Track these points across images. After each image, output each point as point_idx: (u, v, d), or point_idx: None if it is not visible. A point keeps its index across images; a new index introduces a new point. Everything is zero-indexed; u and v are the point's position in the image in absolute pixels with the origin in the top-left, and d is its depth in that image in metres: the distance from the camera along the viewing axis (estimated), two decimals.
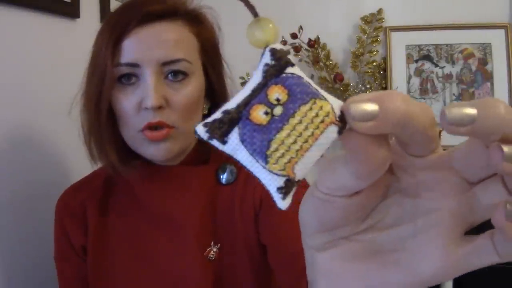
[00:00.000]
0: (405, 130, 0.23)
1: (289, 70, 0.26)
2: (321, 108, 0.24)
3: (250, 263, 0.76)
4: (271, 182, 0.25)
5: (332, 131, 0.24)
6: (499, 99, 0.23)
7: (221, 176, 0.78)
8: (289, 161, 0.24)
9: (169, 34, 0.70)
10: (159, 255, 0.75)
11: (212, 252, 0.74)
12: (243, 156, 0.25)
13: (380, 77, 1.62)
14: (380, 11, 1.63)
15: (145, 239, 0.76)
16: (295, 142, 0.24)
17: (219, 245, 0.75)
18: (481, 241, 0.25)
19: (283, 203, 0.25)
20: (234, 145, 0.25)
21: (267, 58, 0.26)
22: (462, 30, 1.63)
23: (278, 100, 0.25)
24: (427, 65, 1.65)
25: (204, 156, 0.79)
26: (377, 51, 1.62)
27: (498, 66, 1.61)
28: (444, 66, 1.64)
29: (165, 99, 0.69)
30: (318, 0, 1.68)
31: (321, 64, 1.58)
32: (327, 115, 0.24)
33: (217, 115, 0.25)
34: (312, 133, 0.24)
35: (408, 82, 1.65)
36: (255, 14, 0.26)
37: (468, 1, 1.64)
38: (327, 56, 1.60)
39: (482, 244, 0.25)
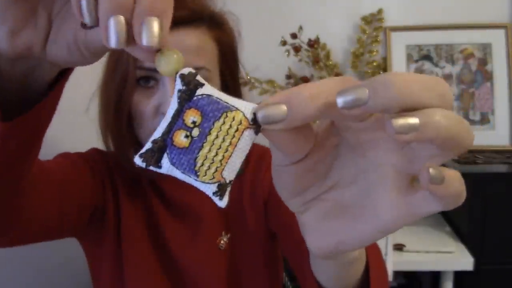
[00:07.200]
0: (323, 117, 0.26)
1: (199, 91, 0.29)
2: (233, 119, 0.29)
3: (260, 251, 0.79)
4: (206, 189, 0.29)
5: (248, 135, 0.28)
6: (394, 72, 0.24)
7: None
8: (216, 171, 0.29)
9: (192, 40, 0.70)
10: (174, 242, 0.77)
11: (222, 242, 0.77)
12: (178, 174, 0.30)
13: None
14: (380, 11, 1.63)
15: (163, 226, 0.77)
16: (216, 154, 0.29)
17: (229, 235, 0.78)
18: (424, 192, 0.27)
19: (221, 202, 0.29)
20: (167, 168, 0.30)
21: (178, 84, 0.29)
22: (462, 30, 1.63)
23: (194, 122, 0.29)
24: (427, 65, 1.65)
25: None
26: (377, 51, 1.62)
27: (498, 66, 1.61)
28: (444, 66, 1.64)
29: None
30: (318, 0, 1.68)
31: (321, 64, 1.59)
32: (240, 123, 0.28)
33: (148, 145, 0.30)
34: (230, 142, 0.29)
35: None
36: (157, 49, 0.29)
37: (468, 1, 1.64)
38: (327, 56, 1.60)
39: (425, 195, 0.27)
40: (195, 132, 0.29)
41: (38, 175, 0.56)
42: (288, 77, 1.62)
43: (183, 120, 0.29)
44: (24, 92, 0.40)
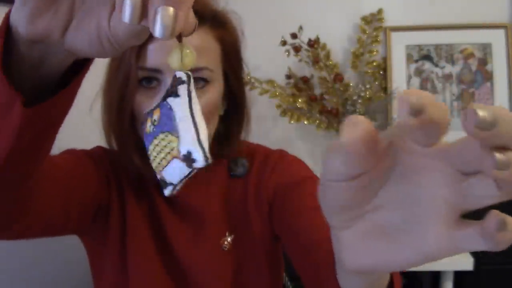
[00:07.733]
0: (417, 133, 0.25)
1: (169, 100, 0.32)
2: (168, 142, 0.31)
3: (264, 252, 0.79)
4: (156, 174, 0.34)
5: (177, 164, 0.31)
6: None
7: (233, 170, 0.81)
8: (157, 166, 0.33)
9: (193, 41, 0.68)
10: (178, 243, 0.77)
11: (226, 242, 0.77)
12: None
13: (380, 77, 1.62)
14: (380, 11, 1.63)
15: (166, 226, 0.77)
16: (156, 156, 0.33)
17: (233, 235, 0.78)
18: (473, 231, 0.27)
19: (165, 191, 0.33)
20: None
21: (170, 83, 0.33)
22: (462, 30, 1.63)
23: (154, 121, 0.33)
24: (427, 65, 1.65)
25: (217, 152, 0.80)
26: (377, 51, 1.62)
27: (498, 66, 1.61)
28: (444, 66, 1.64)
29: None
30: (318, 0, 1.68)
31: (321, 64, 1.58)
32: (172, 150, 0.31)
33: (149, 109, 0.35)
34: (164, 157, 0.31)
35: (408, 82, 1.65)
36: (179, 39, 0.32)
37: (468, 1, 1.64)
38: (327, 56, 1.60)
39: (474, 234, 0.26)
40: (152, 128, 0.33)
41: (47, 170, 0.56)
42: (288, 77, 1.62)
43: (153, 114, 0.33)
44: (36, 81, 0.40)
